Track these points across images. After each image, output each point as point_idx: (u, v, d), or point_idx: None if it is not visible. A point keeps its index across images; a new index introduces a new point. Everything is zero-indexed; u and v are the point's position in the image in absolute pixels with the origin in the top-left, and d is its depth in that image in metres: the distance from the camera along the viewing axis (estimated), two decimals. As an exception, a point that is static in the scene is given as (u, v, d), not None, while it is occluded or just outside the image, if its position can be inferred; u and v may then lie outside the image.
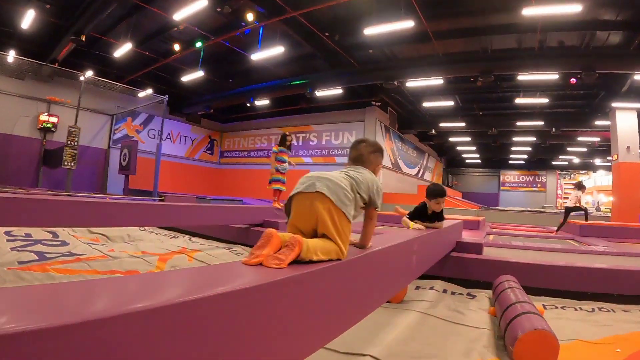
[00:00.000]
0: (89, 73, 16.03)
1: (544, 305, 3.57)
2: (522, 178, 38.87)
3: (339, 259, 1.65)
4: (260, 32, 12.86)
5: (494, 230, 11.36)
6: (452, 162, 39.37)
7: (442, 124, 22.04)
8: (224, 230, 6.75)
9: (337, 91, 16.83)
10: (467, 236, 6.39)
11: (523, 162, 35.59)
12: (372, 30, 11.27)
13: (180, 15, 11.63)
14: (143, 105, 18.74)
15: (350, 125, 20.75)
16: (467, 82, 15.77)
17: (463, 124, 21.60)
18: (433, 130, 22.94)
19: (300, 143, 22.71)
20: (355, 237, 2.07)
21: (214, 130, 26.67)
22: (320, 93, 16.78)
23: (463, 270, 4.36)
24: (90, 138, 19.22)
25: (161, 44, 15.30)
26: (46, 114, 17.70)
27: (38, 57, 15.21)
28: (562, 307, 3.57)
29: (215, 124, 26.59)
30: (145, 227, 7.56)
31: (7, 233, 5.64)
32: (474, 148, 31.01)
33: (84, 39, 12.96)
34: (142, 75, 18.23)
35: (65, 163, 14.41)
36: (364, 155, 2.22)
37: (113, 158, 19.66)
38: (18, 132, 16.82)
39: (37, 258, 4.38)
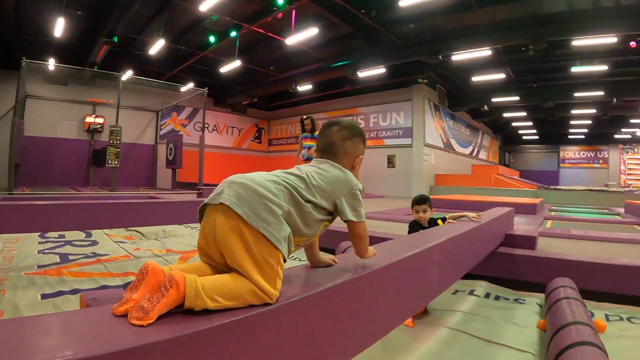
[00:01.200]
0: (129, 73, 16.33)
1: (606, 317, 2.92)
2: (583, 154, 35.95)
3: (265, 304, 1.09)
4: (293, 15, 12.37)
5: (553, 214, 10.37)
6: (509, 139, 37.38)
7: (494, 99, 20.70)
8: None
9: (380, 70, 16.12)
10: (522, 223, 5.72)
11: (583, 136, 33.03)
12: (407, 1, 10.61)
13: (206, 5, 11.50)
14: (185, 99, 19.13)
15: (398, 105, 20.01)
16: (518, 52, 14.62)
17: (517, 98, 20.17)
18: (485, 106, 21.66)
19: None
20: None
21: (260, 119, 26.95)
22: (362, 74, 16.17)
23: (512, 269, 3.74)
24: (137, 135, 19.92)
25: (196, 37, 15.39)
26: (94, 115, 18.62)
27: (77, 62, 15.78)
28: (629, 319, 2.90)
29: (261, 112, 26.80)
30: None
31: (41, 235, 5.66)
32: (530, 123, 29.19)
33: (116, 40, 13.30)
34: (182, 70, 18.48)
35: (109, 162, 14.64)
36: (335, 143, 1.61)
37: (161, 153, 20.21)
38: (66, 135, 17.66)
39: (58, 261, 4.30)
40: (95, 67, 16.00)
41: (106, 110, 18.43)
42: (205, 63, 17.86)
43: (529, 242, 3.98)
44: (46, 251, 4.74)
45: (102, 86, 18.01)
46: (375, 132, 21.03)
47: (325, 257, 1.60)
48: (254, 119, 26.54)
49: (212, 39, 15.03)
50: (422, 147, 19.08)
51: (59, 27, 12.72)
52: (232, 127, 25.16)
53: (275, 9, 12.11)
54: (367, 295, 1.51)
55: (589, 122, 27.03)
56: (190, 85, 18.11)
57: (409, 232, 3.38)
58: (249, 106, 25.12)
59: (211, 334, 0.92)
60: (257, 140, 26.87)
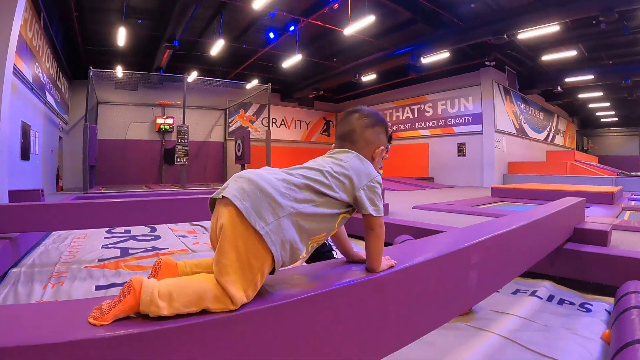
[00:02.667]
0: (194, 74, 17.07)
1: None
2: None
3: (231, 311, 0.99)
4: (349, 5, 12.10)
5: (633, 204, 9.28)
6: (586, 123, 34.46)
7: (567, 79, 19.10)
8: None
9: (444, 55, 15.50)
10: (596, 215, 5.18)
11: None
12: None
13: (258, 3, 11.51)
14: (250, 96, 19.69)
15: (466, 91, 19.25)
16: (588, 26, 13.60)
17: (591, 77, 18.41)
18: (558, 87, 20.17)
19: (416, 115, 21.99)
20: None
21: (328, 112, 27.03)
22: (426, 60, 15.65)
23: (580, 268, 3.30)
24: (206, 133, 20.66)
25: (256, 35, 15.69)
26: (165, 117, 19.54)
27: (144, 67, 17.01)
28: None
29: (329, 104, 26.85)
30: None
31: (108, 231, 5.94)
32: (607, 104, 26.80)
33: (177, 45, 13.84)
34: (246, 68, 18.95)
35: (178, 160, 15.41)
36: (356, 131, 1.50)
37: (230, 149, 20.72)
38: (138, 137, 18.74)
39: (119, 254, 4.46)
40: (161, 71, 16.76)
41: (176, 112, 19.11)
42: (268, 60, 18.14)
43: (600, 237, 3.53)
44: (109, 246, 4.94)
45: (170, 89, 18.77)
46: (444, 120, 20.42)
47: (362, 254, 1.49)
48: (322, 112, 26.65)
49: (271, 35, 15.20)
50: (492, 133, 18.15)
51: (122, 36, 13.34)
52: (300, 120, 25.39)
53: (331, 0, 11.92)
54: (377, 305, 1.35)
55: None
56: (255, 82, 18.48)
57: None
58: (316, 99, 25.17)
59: (150, 336, 0.88)
60: (326, 133, 26.92)
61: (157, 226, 6.36)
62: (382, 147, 1.54)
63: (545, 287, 3.23)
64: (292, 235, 1.15)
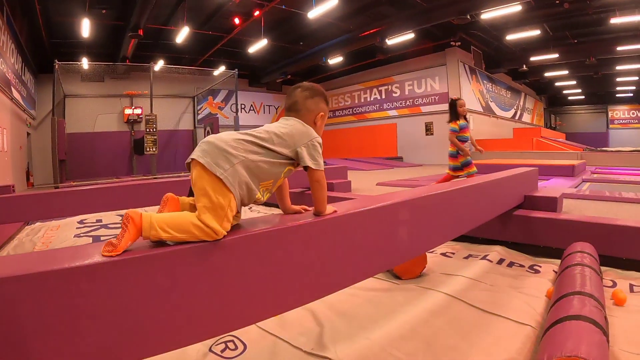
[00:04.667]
0: (160, 63, 16.84)
1: (631, 287, 2.56)
2: (633, 113, 32.27)
3: (215, 240, 1.30)
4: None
5: (595, 176, 9.58)
6: (554, 101, 34.96)
7: (532, 58, 19.38)
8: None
9: (410, 36, 15.43)
10: (554, 185, 5.32)
11: (632, 94, 29.94)
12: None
13: None
14: (217, 83, 19.40)
15: (432, 71, 19.41)
16: (552, 7, 13.71)
17: (556, 55, 18.67)
18: (524, 66, 20.46)
19: (384, 96, 22.10)
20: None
21: (297, 95, 26.56)
22: (392, 41, 15.58)
23: (529, 233, 3.46)
24: (176, 122, 20.44)
25: (222, 21, 15.34)
26: (134, 107, 19.23)
27: (110, 58, 16.56)
28: (659, 290, 2.55)
29: (297, 89, 26.34)
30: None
31: (80, 222, 5.97)
32: (573, 82, 27.12)
33: (141, 33, 13.51)
34: (213, 55, 18.55)
35: (147, 149, 15.29)
36: (298, 102, 1.84)
37: (199, 137, 20.48)
38: (107, 128, 18.39)
39: (90, 242, 4.51)
40: (127, 60, 16.43)
41: (145, 101, 18.68)
42: (234, 45, 17.85)
43: (550, 203, 3.67)
44: (82, 235, 5.03)
45: (137, 78, 18.38)
46: (411, 100, 20.59)
47: (296, 206, 1.84)
48: (291, 96, 26.36)
49: (237, 20, 14.94)
50: (459, 112, 18.31)
51: (86, 27, 13.12)
52: (269, 105, 25.23)
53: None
54: (319, 243, 1.60)
55: (637, 78, 24.92)
56: (222, 68, 18.16)
57: None
58: (284, 84, 24.92)
59: (160, 257, 1.17)
60: (296, 117, 26.72)
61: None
62: (322, 113, 1.86)
63: (496, 251, 3.36)
64: (245, 177, 1.47)
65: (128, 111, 19.07)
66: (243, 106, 23.34)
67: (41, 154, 16.16)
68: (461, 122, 5.60)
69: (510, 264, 3.10)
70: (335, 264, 1.65)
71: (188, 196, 1.55)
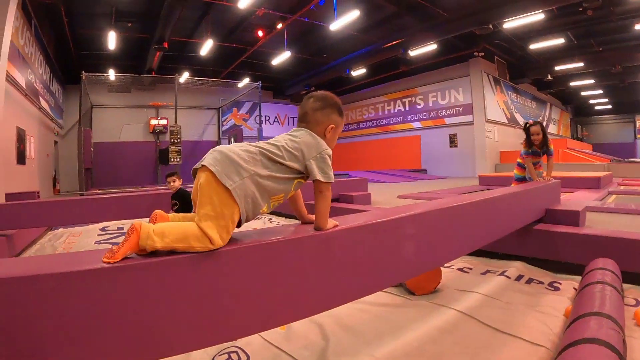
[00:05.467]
0: (185, 75, 17.01)
1: None
2: None
3: (209, 250, 1.29)
4: (335, 1, 12.05)
5: (622, 188, 9.23)
6: (580, 111, 33.93)
7: (557, 67, 19.00)
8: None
9: (432, 47, 15.39)
10: (579, 198, 5.15)
11: None
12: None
13: (244, 3, 11.53)
14: (242, 95, 19.60)
15: (456, 82, 19.19)
16: (575, 14, 13.34)
17: (581, 64, 18.25)
18: (549, 76, 20.12)
19: (407, 108, 21.90)
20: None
21: (321, 108, 26.56)
22: (414, 52, 15.61)
23: (550, 248, 3.31)
24: (201, 133, 20.69)
25: (245, 34, 15.58)
26: (159, 118, 19.56)
27: (136, 70, 16.99)
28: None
29: (321, 101, 26.32)
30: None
31: (102, 229, 6.09)
32: (599, 92, 26.41)
33: (166, 46, 13.84)
34: (237, 67, 18.81)
35: (172, 159, 15.45)
36: (308, 113, 1.78)
37: (224, 147, 20.62)
38: (133, 138, 18.74)
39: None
40: (153, 72, 16.72)
41: (170, 112, 18.96)
42: (258, 58, 18.03)
43: (572, 217, 3.53)
44: (102, 242, 5.13)
45: (163, 90, 18.70)
46: (435, 112, 20.35)
47: (312, 216, 1.76)
48: (314, 108, 26.34)
49: (260, 33, 15.08)
50: (483, 123, 18.12)
51: (112, 40, 13.42)
52: (293, 117, 25.21)
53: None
54: (316, 258, 1.55)
55: (665, 86, 24.18)
56: (246, 80, 18.40)
57: None
58: (307, 96, 24.90)
59: (151, 266, 1.18)
60: (320, 129, 26.72)
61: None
62: (332, 125, 1.78)
63: (515, 267, 3.23)
64: (252, 192, 1.46)
65: (154, 122, 19.46)
66: (267, 118, 23.52)
67: (68, 162, 16.51)
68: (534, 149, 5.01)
69: (529, 281, 2.96)
70: (332, 279, 1.59)
71: (173, 211, 1.57)
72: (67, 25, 13.02)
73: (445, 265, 3.42)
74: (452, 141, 19.41)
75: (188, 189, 4.82)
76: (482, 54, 17.51)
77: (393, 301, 2.64)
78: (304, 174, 1.62)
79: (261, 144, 1.59)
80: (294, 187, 1.63)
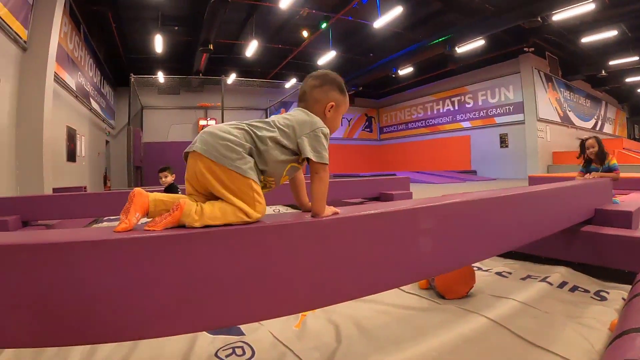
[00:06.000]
0: (232, 76, 17.39)
1: None
2: None
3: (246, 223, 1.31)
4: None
5: None
6: (637, 110, 31.03)
7: (611, 62, 17.67)
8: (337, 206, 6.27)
9: (479, 43, 14.80)
10: (635, 199, 4.72)
11: None
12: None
13: (285, 2, 11.52)
14: (288, 95, 19.61)
15: (506, 80, 18.48)
16: (628, 4, 12.56)
17: (636, 58, 16.81)
18: (603, 72, 18.85)
19: (456, 107, 21.37)
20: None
21: (369, 108, 26.78)
22: (461, 49, 15.03)
23: (599, 253, 2.93)
24: None
25: (290, 35, 15.61)
26: (209, 118, 20.11)
27: (185, 72, 17.29)
28: None
29: (369, 101, 26.53)
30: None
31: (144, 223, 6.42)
32: None
33: (212, 48, 14.09)
34: (284, 68, 19.04)
35: None
36: (306, 92, 1.68)
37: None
38: (182, 138, 19.34)
39: None
40: (200, 74, 17.05)
41: (218, 113, 19.33)
42: (304, 58, 18.06)
43: (624, 219, 3.15)
44: None
45: (211, 91, 19.09)
46: (484, 111, 19.72)
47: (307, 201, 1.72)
48: (363, 108, 26.36)
49: (305, 33, 15.08)
50: (535, 122, 17.33)
51: (159, 43, 13.80)
52: (342, 117, 25.00)
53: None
54: (309, 249, 1.39)
55: None
56: (293, 81, 18.58)
57: None
58: (356, 96, 24.71)
59: (195, 236, 1.19)
60: (368, 130, 26.75)
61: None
62: (332, 103, 1.67)
63: (559, 273, 2.92)
64: (252, 162, 1.40)
65: (202, 122, 19.94)
66: (306, 118, 23.56)
67: (119, 160, 17.12)
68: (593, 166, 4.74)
69: (573, 289, 2.66)
70: (328, 274, 1.41)
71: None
72: (116, 30, 13.52)
73: (483, 268, 3.19)
74: (503, 141, 18.71)
75: (179, 186, 5.11)
76: (532, 49, 16.73)
77: (419, 304, 2.43)
78: (298, 155, 1.51)
79: (250, 121, 1.51)
80: (286, 172, 1.52)
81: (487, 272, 3.10)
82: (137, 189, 1.32)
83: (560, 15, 12.44)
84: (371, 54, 18.23)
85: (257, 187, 1.37)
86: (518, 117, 17.89)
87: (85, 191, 7.95)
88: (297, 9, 12.57)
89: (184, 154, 1.42)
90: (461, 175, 17.72)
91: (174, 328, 1.18)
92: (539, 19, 12.24)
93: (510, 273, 3.06)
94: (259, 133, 1.44)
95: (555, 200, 2.70)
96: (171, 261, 1.14)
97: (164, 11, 12.73)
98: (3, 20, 6.67)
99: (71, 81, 10.39)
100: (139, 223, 1.27)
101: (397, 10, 11.73)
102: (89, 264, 1.06)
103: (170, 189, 5.09)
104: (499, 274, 3.06)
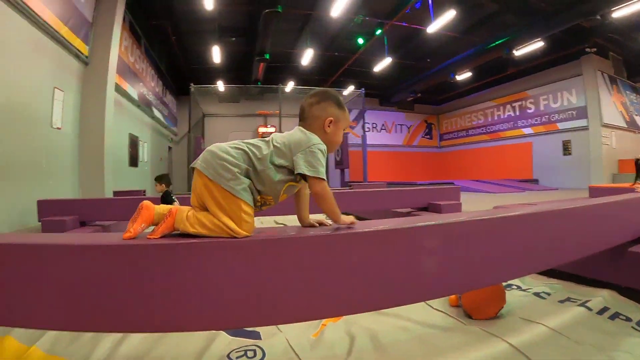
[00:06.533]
0: (290, 84, 17.66)
1: None
2: None
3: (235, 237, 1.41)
4: (430, 2, 11.59)
5: None
6: None
7: None
8: (384, 216, 6.26)
9: (538, 45, 14.07)
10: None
11: None
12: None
13: (336, 11, 11.46)
14: (346, 103, 19.19)
15: (567, 83, 17.38)
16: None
17: None
18: None
19: (517, 113, 20.35)
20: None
21: (428, 114, 26.22)
22: (520, 52, 14.40)
23: (647, 276, 2.66)
24: None
25: (346, 42, 15.63)
26: (269, 125, 20.60)
27: (244, 81, 17.93)
28: None
29: (429, 107, 25.98)
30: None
31: None
32: None
33: (268, 57, 14.38)
34: (341, 75, 19.05)
35: None
36: (304, 109, 1.74)
37: (330, 156, 20.73)
38: None
39: None
40: (259, 83, 17.49)
41: (278, 121, 19.68)
42: (362, 65, 17.93)
43: (677, 237, 2.83)
44: None
45: (270, 99, 19.34)
46: (547, 116, 18.61)
47: (311, 220, 1.76)
48: (423, 115, 25.83)
49: (360, 40, 15.08)
50: (599, 128, 16.12)
51: (217, 54, 14.41)
52: (401, 124, 24.85)
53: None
54: (334, 259, 1.45)
55: None
56: (351, 88, 18.47)
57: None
58: (416, 102, 24.39)
59: (183, 245, 1.34)
60: (428, 137, 26.17)
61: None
62: (331, 118, 1.70)
63: (602, 297, 2.63)
64: (247, 183, 1.49)
65: (262, 129, 20.40)
66: (375, 125, 23.47)
67: (181, 166, 17.85)
68: None
69: (614, 316, 2.37)
70: (331, 287, 1.45)
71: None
72: (176, 42, 14.10)
73: (523, 287, 2.96)
74: (566, 148, 17.58)
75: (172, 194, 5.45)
76: (594, 49, 15.60)
77: (443, 323, 2.29)
78: (295, 175, 1.56)
79: (249, 141, 1.59)
80: (283, 191, 1.57)
81: (525, 292, 2.87)
82: (145, 202, 1.47)
83: (620, 12, 11.47)
84: (428, 60, 17.81)
85: (247, 208, 1.45)
86: (581, 122, 16.80)
87: (144, 194, 8.29)
88: (351, 16, 12.53)
89: (190, 168, 1.61)
90: (522, 185, 16.82)
91: (168, 325, 1.36)
92: (598, 17, 11.44)
93: (549, 294, 2.80)
94: (258, 153, 1.51)
95: (597, 216, 2.43)
96: (162, 266, 1.29)
97: (221, 23, 13.08)
98: (64, 38, 7.11)
99: (133, 92, 10.98)
100: (144, 232, 1.43)
101: (450, 14, 11.41)
102: (101, 264, 1.27)
103: (165, 196, 5.35)
104: (537, 294, 2.81)
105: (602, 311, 2.46)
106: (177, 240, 1.34)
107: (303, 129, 1.66)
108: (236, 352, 1.91)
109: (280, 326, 2.19)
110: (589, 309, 2.47)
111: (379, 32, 13.93)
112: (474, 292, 2.30)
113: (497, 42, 14.23)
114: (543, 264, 2.07)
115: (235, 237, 1.38)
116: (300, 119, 1.74)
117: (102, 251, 1.28)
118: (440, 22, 11.92)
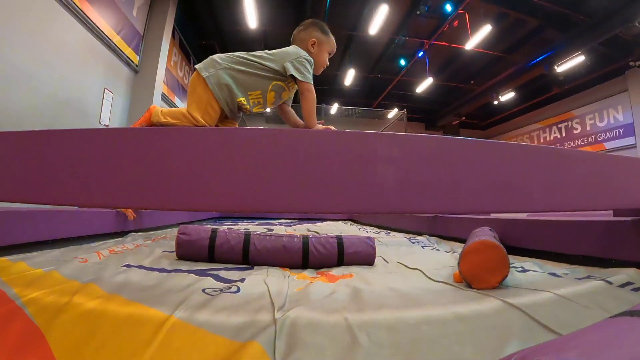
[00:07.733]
0: (335, 106, 17.75)
1: None
2: None
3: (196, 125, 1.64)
4: (467, 19, 11.35)
5: None
6: None
7: None
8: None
9: (579, 59, 13.29)
10: None
11: None
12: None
13: (373, 29, 11.49)
14: (389, 125, 19.27)
15: (613, 100, 16.30)
16: None
17: None
18: None
19: (564, 134, 19.24)
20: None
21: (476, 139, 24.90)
22: (561, 68, 13.66)
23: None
24: None
25: (389, 64, 15.41)
26: None
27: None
28: None
29: (475, 132, 24.96)
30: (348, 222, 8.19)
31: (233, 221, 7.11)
32: None
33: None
34: (385, 98, 18.77)
35: None
36: (294, 36, 2.10)
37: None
38: None
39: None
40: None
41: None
42: (406, 88, 17.70)
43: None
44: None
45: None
46: (593, 136, 17.48)
47: (302, 121, 1.99)
48: (470, 140, 24.92)
49: (402, 62, 14.90)
50: (646, 146, 15.10)
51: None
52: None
53: (448, 17, 11.43)
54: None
55: None
56: (395, 110, 18.19)
57: None
58: (462, 127, 23.59)
59: (157, 130, 1.39)
60: (474, 163, 25.12)
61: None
62: (314, 40, 2.01)
63: (626, 273, 2.15)
64: (227, 80, 1.75)
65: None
66: (413, 149, 22.94)
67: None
68: None
69: (637, 289, 1.92)
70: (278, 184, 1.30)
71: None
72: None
73: (534, 269, 2.53)
74: (614, 168, 16.56)
75: None
76: (639, 63, 14.83)
77: (436, 287, 2.01)
78: (283, 77, 1.83)
79: (243, 52, 1.92)
80: (271, 87, 1.84)
81: (536, 272, 2.47)
82: (151, 107, 1.82)
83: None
84: (472, 82, 17.39)
85: (214, 104, 1.74)
86: (629, 140, 15.68)
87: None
88: (392, 36, 12.41)
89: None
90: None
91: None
92: (637, 24, 10.66)
93: (566, 274, 2.37)
94: (250, 57, 1.81)
95: (613, 167, 2.06)
96: (133, 150, 1.32)
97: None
98: (116, 46, 7.66)
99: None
100: None
101: (486, 29, 11.05)
102: (92, 145, 1.31)
103: None
104: (552, 274, 2.40)
105: (624, 285, 2.04)
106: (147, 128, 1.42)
107: (295, 46, 1.97)
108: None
109: (265, 280, 1.96)
110: (609, 282, 2.06)
111: (421, 54, 13.74)
112: (474, 258, 2.04)
113: (537, 59, 13.68)
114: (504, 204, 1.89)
115: (197, 125, 1.61)
116: (291, 43, 2.05)
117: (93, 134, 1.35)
118: (478, 37, 11.56)
